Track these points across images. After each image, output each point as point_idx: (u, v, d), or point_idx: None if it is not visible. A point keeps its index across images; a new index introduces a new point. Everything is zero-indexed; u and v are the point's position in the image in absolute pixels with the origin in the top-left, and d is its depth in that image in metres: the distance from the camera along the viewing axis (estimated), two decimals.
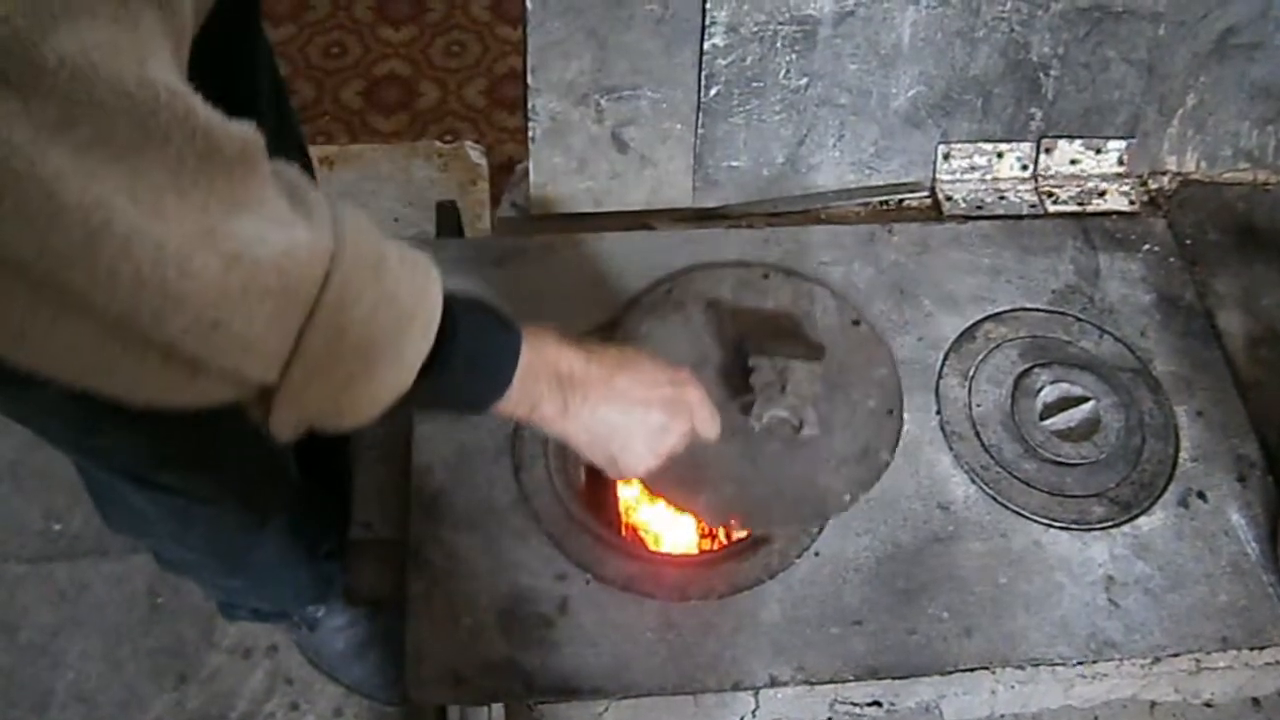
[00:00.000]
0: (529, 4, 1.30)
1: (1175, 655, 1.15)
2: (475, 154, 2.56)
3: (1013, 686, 1.15)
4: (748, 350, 1.18)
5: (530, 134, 1.37)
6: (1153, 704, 1.19)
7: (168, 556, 1.33)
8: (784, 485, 1.16)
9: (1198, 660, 1.17)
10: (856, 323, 1.28)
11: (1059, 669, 1.13)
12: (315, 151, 2.36)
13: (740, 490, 1.14)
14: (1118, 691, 1.18)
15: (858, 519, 1.18)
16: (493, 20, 2.81)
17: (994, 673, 1.13)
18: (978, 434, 1.26)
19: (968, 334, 1.33)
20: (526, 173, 1.46)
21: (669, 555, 1.20)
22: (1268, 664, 1.22)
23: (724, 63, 1.35)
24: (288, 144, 1.32)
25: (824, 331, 1.27)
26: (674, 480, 1.07)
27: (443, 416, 1.23)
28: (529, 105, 1.36)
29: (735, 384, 1.19)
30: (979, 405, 1.28)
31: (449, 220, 1.42)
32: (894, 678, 1.11)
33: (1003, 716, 1.16)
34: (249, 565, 1.27)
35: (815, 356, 1.17)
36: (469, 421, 1.22)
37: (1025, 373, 1.30)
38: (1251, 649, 1.16)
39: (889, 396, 1.24)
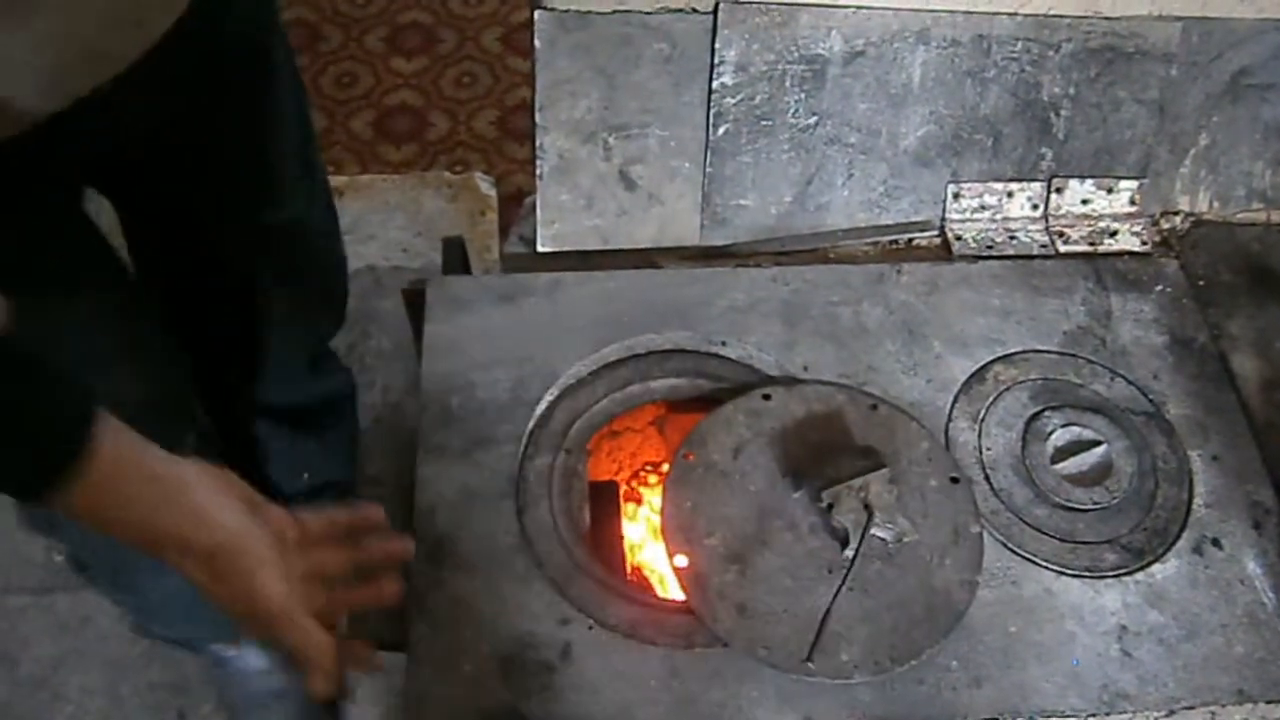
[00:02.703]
0: (538, 42, 1.30)
1: (1190, 708, 1.13)
2: (485, 185, 2.57)
3: None
4: (805, 484, 1.18)
5: (538, 171, 1.37)
6: None
7: (75, 559, 1.29)
8: (907, 604, 1.14)
9: (1213, 713, 1.14)
10: (875, 407, 1.27)
11: None
12: None
13: (872, 630, 1.12)
14: None
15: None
16: (504, 52, 2.82)
17: None
18: (988, 478, 1.24)
19: (977, 376, 1.31)
20: (534, 207, 1.46)
21: (674, 602, 1.19)
22: None
23: (732, 101, 1.35)
24: (314, 199, 1.32)
25: (852, 424, 1.25)
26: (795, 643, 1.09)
27: (446, 457, 1.22)
28: (537, 143, 1.36)
29: (800, 522, 1.18)
30: (989, 449, 1.26)
31: (455, 255, 1.42)
32: None
33: None
34: (138, 585, 1.22)
35: (879, 462, 1.17)
36: (473, 462, 1.21)
37: (1036, 415, 1.28)
38: (1269, 702, 1.14)
39: (946, 467, 1.23)
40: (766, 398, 1.27)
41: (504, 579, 1.15)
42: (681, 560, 1.15)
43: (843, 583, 1.13)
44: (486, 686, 1.09)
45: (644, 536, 1.55)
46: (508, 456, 1.23)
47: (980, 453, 1.26)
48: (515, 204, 2.65)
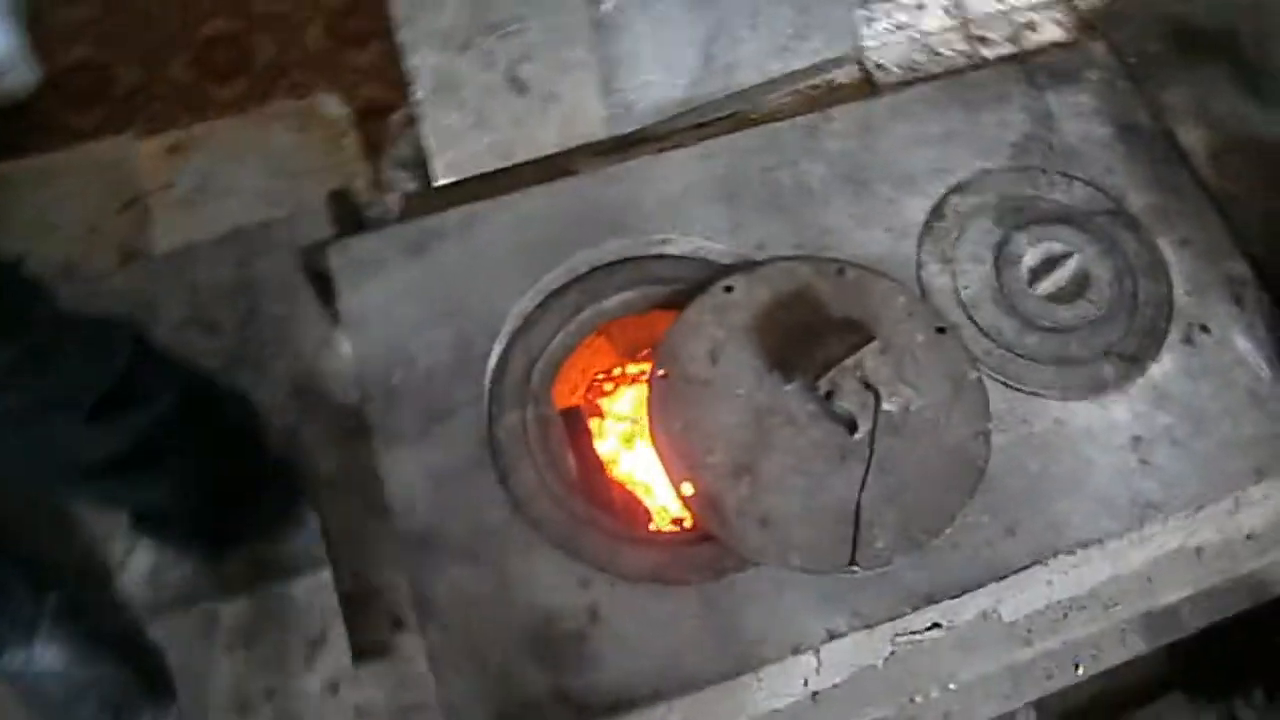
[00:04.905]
0: None
1: (1215, 502, 1.12)
2: (333, 105, 2.33)
3: (1065, 573, 1.10)
4: (796, 375, 1.10)
5: (415, 97, 1.20)
6: (1199, 549, 1.17)
7: None
8: (927, 473, 1.08)
9: (1237, 499, 1.14)
10: (841, 271, 1.18)
11: (1109, 544, 1.09)
12: (159, 143, 2.13)
13: (900, 510, 1.06)
14: (1165, 548, 1.15)
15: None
16: None
17: (1046, 564, 1.08)
18: (972, 319, 1.18)
19: (935, 213, 1.23)
20: (407, 122, 1.30)
21: (690, 532, 1.11)
22: None
23: None
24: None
25: (824, 297, 1.16)
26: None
27: (405, 442, 1.10)
28: (407, 65, 1.19)
29: (798, 414, 1.10)
30: (965, 288, 1.20)
31: (346, 212, 1.26)
32: (950, 598, 1.06)
33: (1059, 602, 1.12)
34: None
35: (866, 334, 1.08)
36: (435, 439, 1.10)
37: (1003, 241, 1.22)
38: None
39: (928, 319, 1.15)
40: (729, 289, 1.17)
41: (506, 556, 1.05)
42: (688, 488, 1.07)
43: (867, 470, 1.06)
44: (520, 674, 1.01)
45: (618, 450, 1.47)
46: (472, 423, 1.11)
47: (958, 294, 1.19)
48: (374, 119, 2.42)
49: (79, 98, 2.35)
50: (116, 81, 2.37)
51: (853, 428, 1.07)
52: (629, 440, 1.46)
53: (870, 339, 1.08)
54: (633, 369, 1.50)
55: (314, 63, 2.46)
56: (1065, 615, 1.13)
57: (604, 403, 1.54)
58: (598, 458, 1.30)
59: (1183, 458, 1.13)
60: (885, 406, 1.07)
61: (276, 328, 1.96)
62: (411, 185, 1.35)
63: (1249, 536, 1.19)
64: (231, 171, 2.27)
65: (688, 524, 1.17)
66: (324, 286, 1.27)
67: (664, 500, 1.36)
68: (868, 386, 1.07)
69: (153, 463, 1.13)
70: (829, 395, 1.06)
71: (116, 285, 1.67)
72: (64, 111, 2.27)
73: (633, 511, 1.30)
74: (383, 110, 2.45)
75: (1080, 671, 1.18)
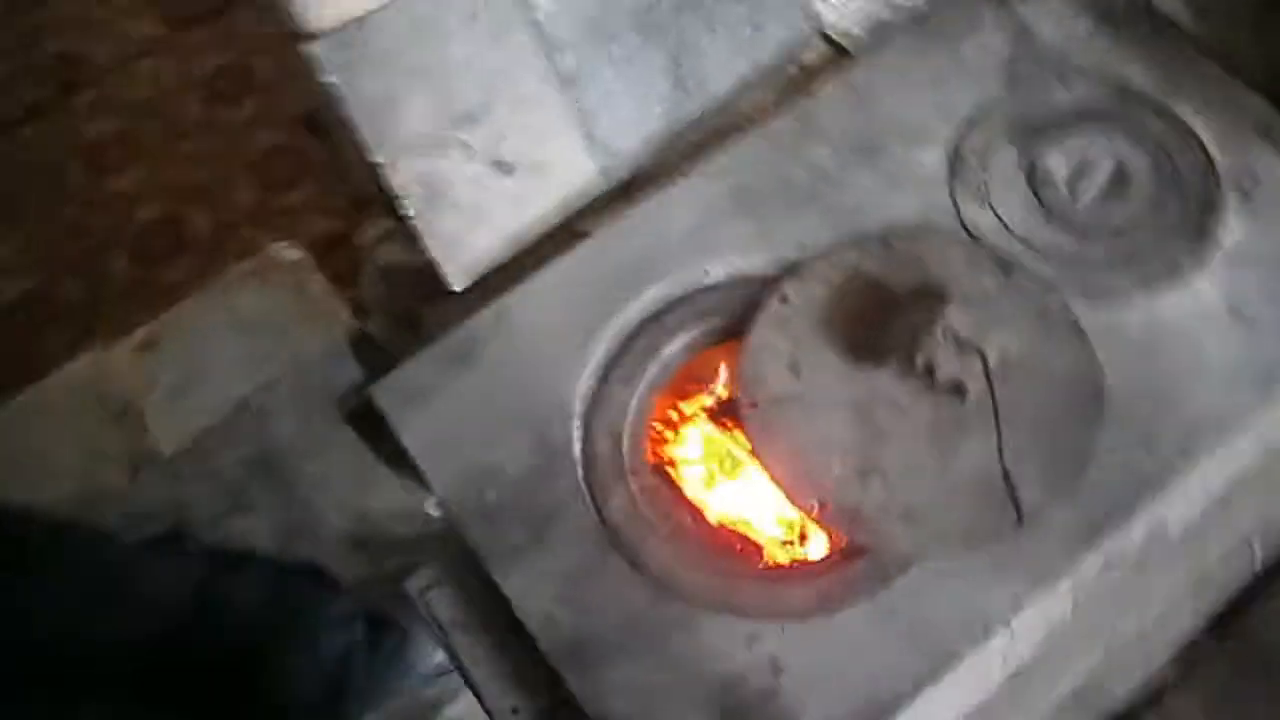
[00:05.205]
0: (330, 77, 1.06)
1: None
2: (287, 252, 2.27)
3: (1216, 466, 1.06)
4: (885, 358, 1.06)
5: (407, 213, 1.15)
6: None
7: None
8: (1049, 415, 1.04)
9: None
10: (886, 244, 1.14)
11: (1250, 419, 1.05)
12: (126, 346, 2.06)
13: (1037, 460, 1.02)
14: None
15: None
16: (207, 108, 2.48)
17: (1196, 464, 1.04)
18: (1031, 247, 1.15)
19: (955, 156, 1.20)
20: (378, 240, 1.26)
21: (834, 553, 1.06)
22: None
23: (562, 22, 1.15)
24: None
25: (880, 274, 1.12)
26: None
27: (521, 556, 1.04)
28: (388, 185, 1.14)
29: (901, 397, 1.06)
30: (1013, 220, 1.16)
31: (371, 352, 1.20)
32: (1115, 530, 1.01)
33: (1220, 498, 1.08)
34: None
35: (940, 295, 1.04)
36: (550, 544, 1.04)
37: (1031, 162, 1.19)
38: None
39: (990, 261, 1.12)
40: (784, 300, 1.12)
41: (666, 638, 1.00)
42: (821, 508, 1.02)
43: (998, 428, 1.02)
44: None
45: (704, 494, 1.41)
46: (581, 516, 1.06)
47: (1007, 228, 1.16)
48: (334, 252, 2.37)
49: (34, 327, 2.29)
50: (65, 300, 2.31)
51: (962, 393, 1.03)
52: (710, 481, 1.40)
53: (946, 299, 1.03)
54: (686, 408, 1.45)
55: (253, 218, 2.42)
56: (1227, 508, 1.09)
57: (668, 451, 1.49)
58: (697, 509, 1.24)
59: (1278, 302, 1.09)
60: (976, 363, 1.03)
61: (316, 487, 1.90)
62: (405, 300, 1.31)
63: None
64: (210, 349, 2.20)
65: (810, 545, 1.12)
66: (372, 430, 1.20)
67: (771, 531, 1.31)
68: (963, 347, 1.02)
69: None
70: (929, 369, 1.02)
71: (140, 500, 1.60)
72: (25, 344, 2.20)
73: (748, 551, 1.25)
74: (337, 240, 2.41)
75: (1259, 551, 1.13)
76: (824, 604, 1.00)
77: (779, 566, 1.07)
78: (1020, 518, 0.98)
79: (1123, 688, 1.06)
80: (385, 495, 1.54)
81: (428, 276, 1.28)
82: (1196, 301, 1.11)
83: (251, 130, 2.51)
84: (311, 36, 1.04)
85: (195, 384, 2.17)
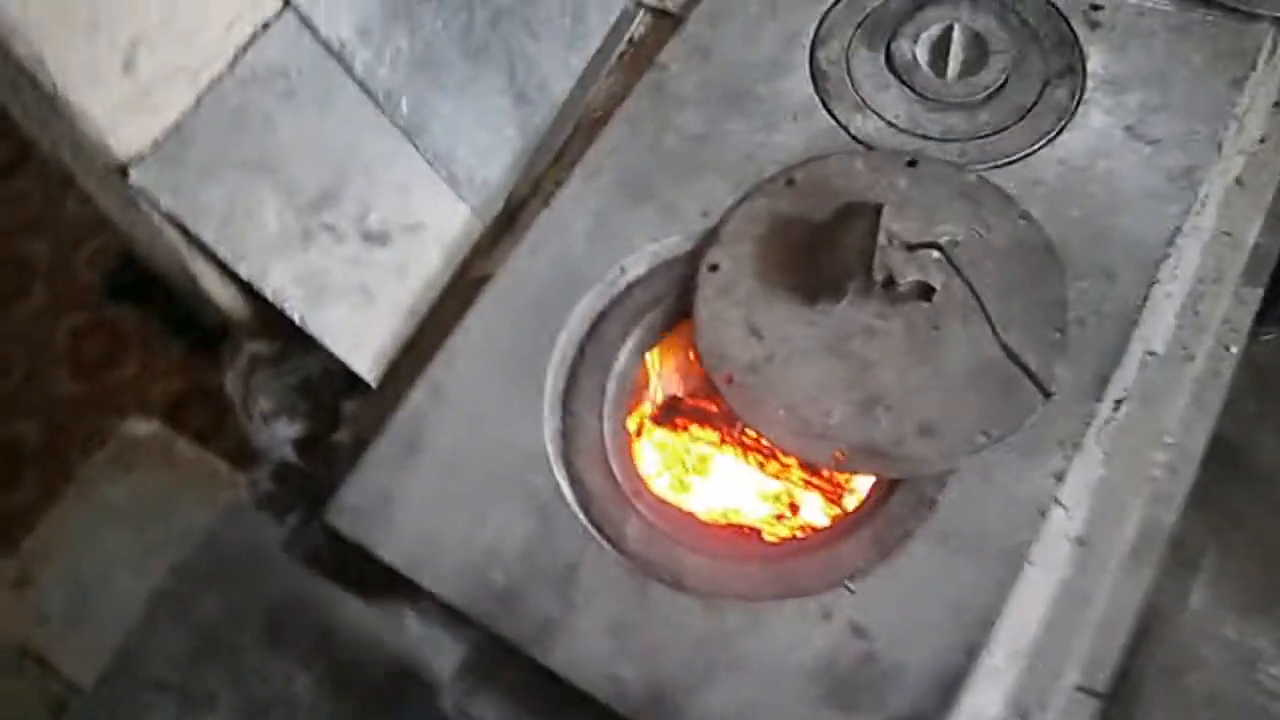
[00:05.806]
0: (164, 205, 0.94)
1: (1224, 126, 1.11)
2: (139, 426, 2.07)
3: (1174, 275, 1.06)
4: (835, 292, 1.01)
5: (296, 317, 1.04)
6: (1239, 179, 1.16)
7: None
8: (1016, 280, 1.02)
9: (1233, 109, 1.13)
10: (790, 181, 1.10)
11: (1185, 224, 1.06)
12: (2, 584, 1.86)
13: (1024, 326, 1.00)
14: (1218, 193, 1.13)
15: None
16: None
17: (1157, 281, 1.04)
18: (925, 137, 1.13)
19: (818, 76, 1.18)
20: (247, 372, 1.14)
21: (874, 494, 1.00)
22: None
23: (383, 71, 1.06)
24: None
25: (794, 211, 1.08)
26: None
27: (556, 628, 0.94)
28: (265, 293, 1.02)
29: (871, 321, 1.02)
30: (896, 116, 1.14)
31: (279, 497, 1.08)
32: (1116, 369, 1.00)
33: (1184, 304, 1.08)
34: None
35: (866, 207, 1.00)
36: (578, 604, 0.95)
37: (889, 56, 1.18)
38: None
39: (893, 161, 1.10)
40: (715, 269, 1.07)
41: (739, 645, 0.92)
42: (837, 459, 0.97)
43: (986, 312, 0.99)
44: None
45: (680, 494, 1.34)
46: (603, 563, 0.97)
47: (893, 125, 1.14)
48: (189, 407, 2.19)
49: None
50: None
51: (929, 293, 0.99)
52: (683, 486, 1.33)
53: (877, 208, 1.00)
54: (630, 424, 1.38)
55: (86, 407, 2.23)
56: (1197, 309, 1.09)
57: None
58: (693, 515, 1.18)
59: (1173, 115, 1.11)
60: (951, 245, 1.00)
61: (269, 654, 1.72)
62: (305, 420, 1.18)
63: (1262, 140, 1.18)
64: (95, 556, 2.01)
65: (803, 512, 1.07)
66: (338, 564, 1.08)
67: (761, 512, 1.25)
68: (913, 248, 0.99)
69: None
70: (889, 280, 0.98)
71: None
72: None
73: (749, 534, 1.19)
74: (186, 396, 2.22)
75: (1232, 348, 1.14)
76: (881, 551, 0.94)
77: (824, 529, 1.01)
78: (1045, 391, 0.95)
79: (1170, 516, 1.04)
80: (349, 629, 1.41)
81: (327, 382, 1.17)
82: (1093, 134, 1.11)
83: (49, 319, 2.30)
84: (125, 166, 0.92)
85: (93, 598, 1.96)
